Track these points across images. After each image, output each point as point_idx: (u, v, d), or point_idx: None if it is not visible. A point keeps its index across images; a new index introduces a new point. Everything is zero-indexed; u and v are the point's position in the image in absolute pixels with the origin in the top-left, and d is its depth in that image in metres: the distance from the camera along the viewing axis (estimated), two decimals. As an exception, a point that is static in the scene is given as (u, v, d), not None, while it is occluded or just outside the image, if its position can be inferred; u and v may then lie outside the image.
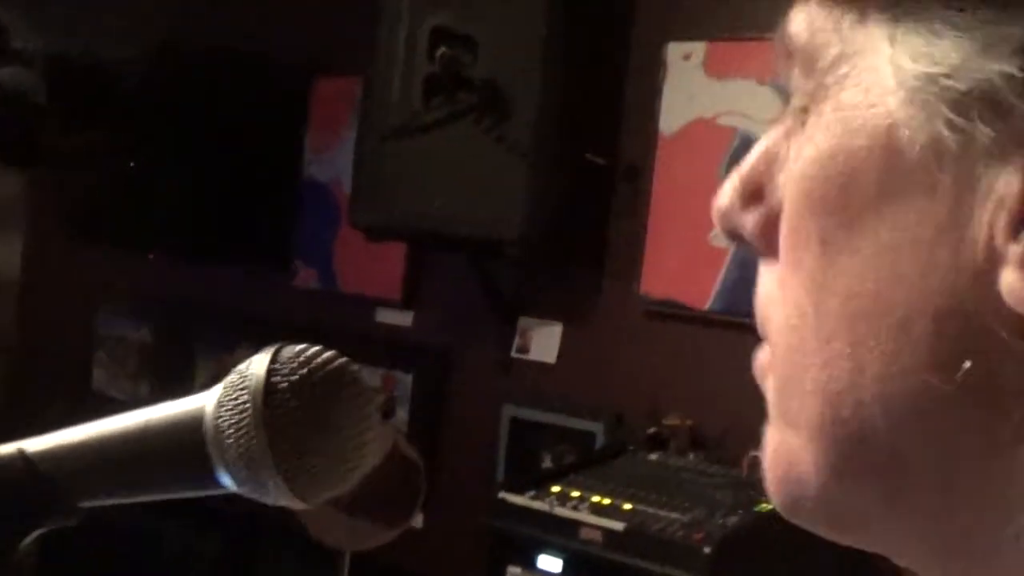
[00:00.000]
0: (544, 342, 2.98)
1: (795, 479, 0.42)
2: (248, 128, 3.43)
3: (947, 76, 0.36)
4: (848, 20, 0.40)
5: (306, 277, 3.49)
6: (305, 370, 0.57)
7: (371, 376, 3.23)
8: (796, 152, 0.42)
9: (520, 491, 2.38)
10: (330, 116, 3.43)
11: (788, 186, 0.42)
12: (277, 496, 0.58)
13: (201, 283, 3.72)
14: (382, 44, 2.78)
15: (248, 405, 0.57)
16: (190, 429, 0.58)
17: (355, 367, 0.59)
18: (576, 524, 2.26)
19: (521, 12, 2.63)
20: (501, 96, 2.61)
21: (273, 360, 0.58)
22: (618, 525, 2.20)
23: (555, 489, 2.36)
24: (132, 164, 3.73)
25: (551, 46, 2.61)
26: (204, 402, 0.59)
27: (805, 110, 0.42)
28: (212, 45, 3.53)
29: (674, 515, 2.20)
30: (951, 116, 0.36)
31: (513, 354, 3.02)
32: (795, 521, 0.43)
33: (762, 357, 0.44)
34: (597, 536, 2.22)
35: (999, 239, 0.35)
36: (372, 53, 2.81)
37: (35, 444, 0.62)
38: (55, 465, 0.61)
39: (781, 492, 0.43)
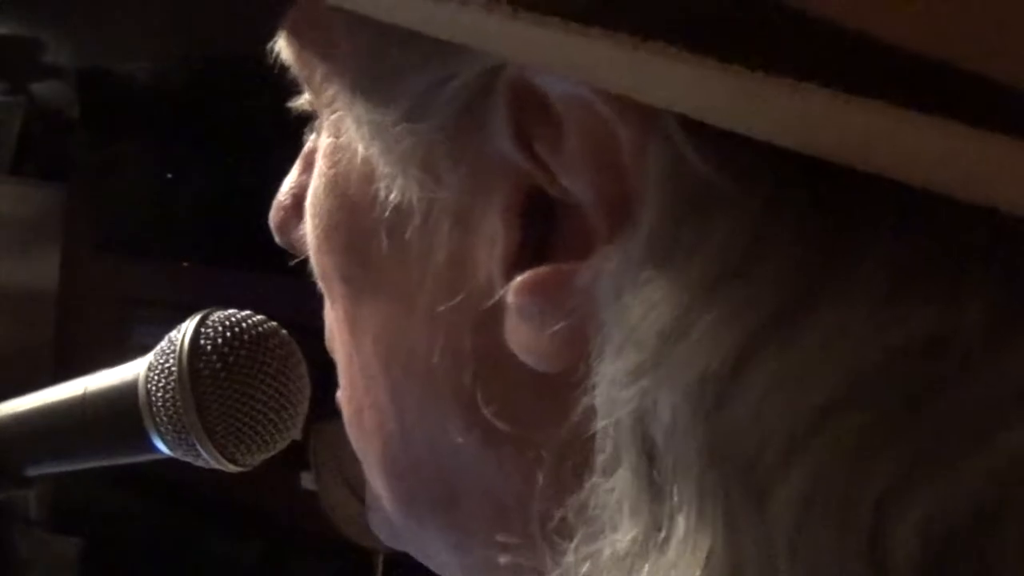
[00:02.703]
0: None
1: (383, 517, 0.41)
2: (279, 135, 3.46)
3: (397, 123, 0.34)
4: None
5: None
6: (230, 333, 0.58)
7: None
8: (313, 172, 0.40)
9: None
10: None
11: (307, 210, 0.40)
12: (209, 459, 0.59)
13: (235, 290, 3.76)
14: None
15: (175, 369, 0.58)
16: (124, 395, 0.60)
17: (284, 331, 0.60)
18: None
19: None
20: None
21: (201, 324, 0.59)
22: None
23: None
24: (170, 175, 3.78)
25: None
26: (137, 369, 0.60)
27: (319, 120, 0.40)
28: (239, 55, 3.56)
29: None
30: (416, 165, 0.34)
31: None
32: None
33: (340, 394, 0.43)
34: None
35: (498, 284, 0.33)
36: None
37: (-19, 415, 0.63)
38: (1, 436, 0.62)
39: (380, 531, 0.42)
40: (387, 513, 0.41)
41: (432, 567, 0.42)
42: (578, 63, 0.28)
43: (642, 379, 0.29)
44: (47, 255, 3.96)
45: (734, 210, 0.28)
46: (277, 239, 0.45)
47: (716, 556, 0.28)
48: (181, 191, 3.70)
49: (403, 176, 0.35)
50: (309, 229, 0.40)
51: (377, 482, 0.41)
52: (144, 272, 3.87)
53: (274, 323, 0.60)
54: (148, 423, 0.59)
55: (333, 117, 0.38)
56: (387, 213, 0.36)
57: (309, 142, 0.43)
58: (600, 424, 0.30)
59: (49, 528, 3.97)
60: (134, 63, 3.64)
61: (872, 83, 0.25)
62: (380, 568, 2.76)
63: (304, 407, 0.60)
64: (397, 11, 0.31)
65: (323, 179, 0.38)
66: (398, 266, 0.36)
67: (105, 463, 0.63)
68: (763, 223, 0.28)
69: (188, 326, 0.59)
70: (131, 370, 0.60)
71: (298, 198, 0.43)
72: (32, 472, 0.63)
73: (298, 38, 0.39)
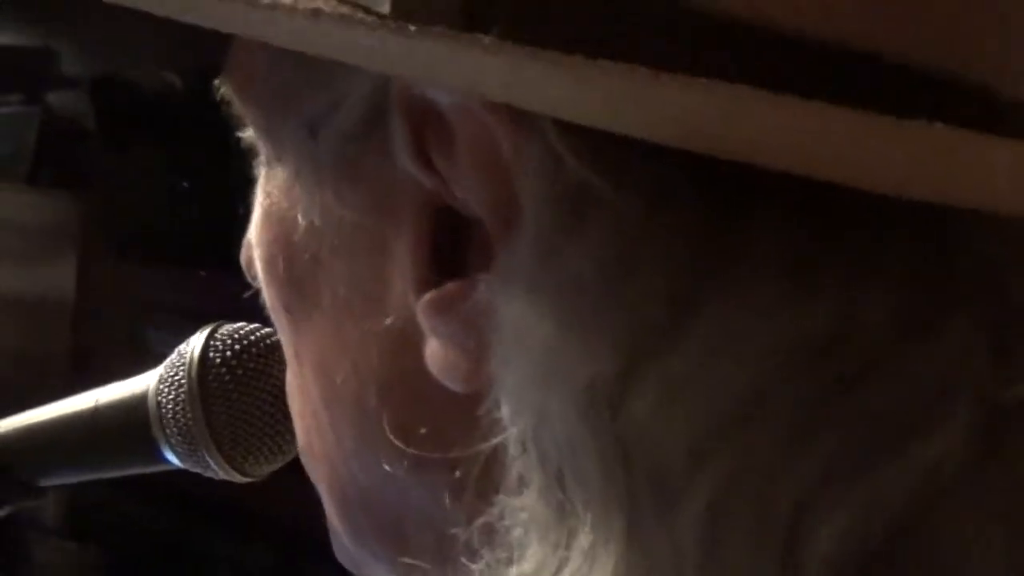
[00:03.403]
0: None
1: (341, 544, 0.41)
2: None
3: (300, 147, 0.34)
4: None
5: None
6: (239, 346, 0.59)
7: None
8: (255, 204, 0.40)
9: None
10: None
11: (252, 247, 0.40)
12: (218, 470, 0.60)
13: (251, 297, 3.76)
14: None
15: (184, 381, 0.59)
16: (135, 407, 0.61)
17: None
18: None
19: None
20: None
21: (210, 337, 0.60)
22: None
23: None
24: (185, 183, 3.79)
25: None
26: (148, 381, 0.61)
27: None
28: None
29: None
30: (324, 188, 0.34)
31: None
32: None
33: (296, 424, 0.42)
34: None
35: (413, 304, 0.33)
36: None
37: (-5, 427, 0.64)
38: (14, 447, 0.64)
39: (342, 559, 0.42)
40: (344, 544, 0.41)
41: None
42: (451, 72, 0.28)
43: (533, 391, 0.28)
44: (64, 263, 3.98)
45: (613, 210, 0.28)
46: (247, 273, 0.45)
47: (620, 571, 0.27)
48: (197, 199, 3.72)
49: (313, 200, 0.35)
50: (256, 263, 0.40)
51: (330, 511, 0.41)
52: (161, 279, 3.88)
53: (281, 335, 0.61)
54: (158, 435, 0.60)
55: (264, 148, 0.38)
56: (307, 239, 0.36)
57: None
58: (508, 441, 0.30)
59: (65, 535, 3.98)
60: (149, 72, 3.66)
61: (735, 67, 0.25)
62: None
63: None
64: (268, 30, 0.31)
65: (260, 210, 0.39)
66: (324, 292, 0.36)
67: (116, 474, 0.64)
68: (645, 222, 0.27)
69: (197, 340, 0.60)
70: (142, 383, 0.62)
71: None
72: (45, 483, 0.64)
73: (225, 72, 0.40)
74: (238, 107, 0.40)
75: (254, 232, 0.40)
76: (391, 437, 0.34)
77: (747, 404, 0.27)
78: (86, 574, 3.91)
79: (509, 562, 0.29)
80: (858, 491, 0.26)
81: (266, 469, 0.61)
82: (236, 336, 0.60)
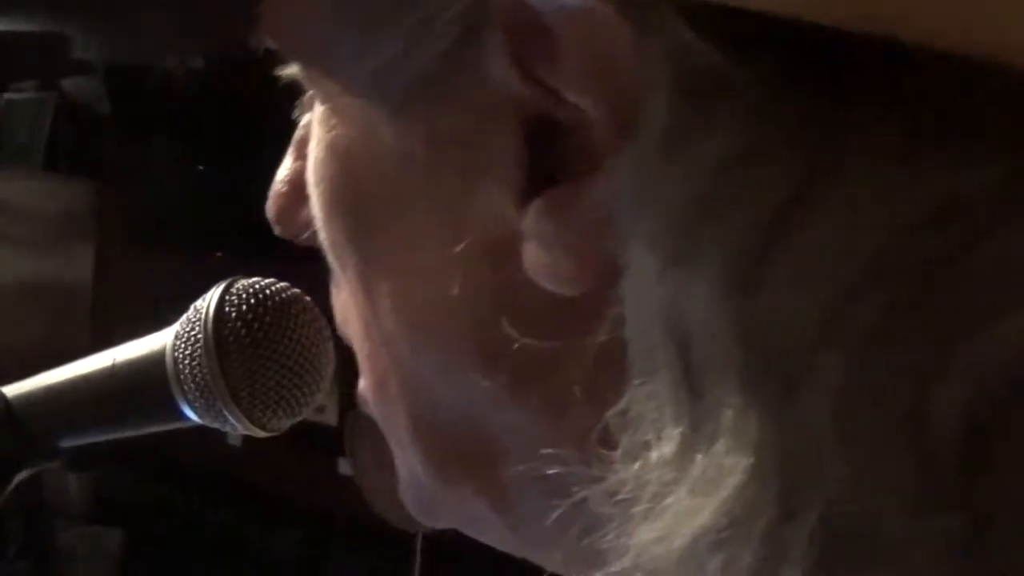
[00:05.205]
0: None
1: (417, 492, 0.41)
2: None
3: (390, 68, 0.34)
4: None
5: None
6: (255, 300, 0.59)
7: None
8: (310, 145, 0.39)
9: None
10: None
11: (309, 185, 0.40)
12: (237, 425, 0.59)
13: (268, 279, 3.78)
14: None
15: (200, 336, 0.59)
16: (152, 364, 0.61)
17: (308, 298, 0.61)
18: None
19: None
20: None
21: (226, 292, 0.60)
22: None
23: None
24: (201, 167, 3.80)
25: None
26: (164, 338, 0.61)
27: (310, 100, 0.39)
28: (269, 47, 3.58)
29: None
30: (414, 108, 0.34)
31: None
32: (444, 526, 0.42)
33: (361, 386, 0.42)
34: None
35: (510, 215, 0.32)
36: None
37: (13, 388, 0.64)
38: (33, 407, 0.64)
39: (415, 509, 0.42)
40: (422, 485, 0.40)
41: (474, 534, 0.41)
42: None
43: (670, 275, 0.29)
44: (81, 250, 3.99)
45: (739, 93, 0.28)
46: (278, 230, 0.45)
47: (764, 446, 0.28)
48: (212, 183, 3.73)
49: (402, 123, 0.34)
50: (315, 202, 0.39)
51: (408, 453, 0.40)
52: (177, 264, 3.90)
53: (297, 290, 0.61)
54: (176, 391, 0.60)
55: (325, 82, 0.38)
56: (390, 165, 0.35)
57: (300, 129, 0.43)
58: (631, 333, 0.30)
59: (90, 520, 4.01)
60: (163, 57, 3.67)
61: None
62: (419, 552, 2.77)
63: (329, 371, 0.61)
64: None
65: (322, 145, 0.38)
66: (407, 218, 0.36)
67: (135, 432, 0.64)
68: (768, 103, 0.28)
69: (213, 294, 0.60)
70: (158, 340, 0.61)
71: (295, 184, 0.43)
72: (63, 443, 0.64)
73: (273, 6, 0.39)
74: (289, 41, 0.39)
75: (314, 169, 0.39)
76: (485, 354, 0.34)
77: (874, 274, 0.27)
78: (111, 558, 3.94)
79: (647, 447, 0.30)
80: (974, 353, 0.26)
81: (285, 423, 0.61)
82: (252, 290, 0.60)
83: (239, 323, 0.59)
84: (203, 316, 0.59)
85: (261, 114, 3.60)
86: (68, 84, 3.78)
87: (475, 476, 0.38)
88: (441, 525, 0.42)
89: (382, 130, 0.35)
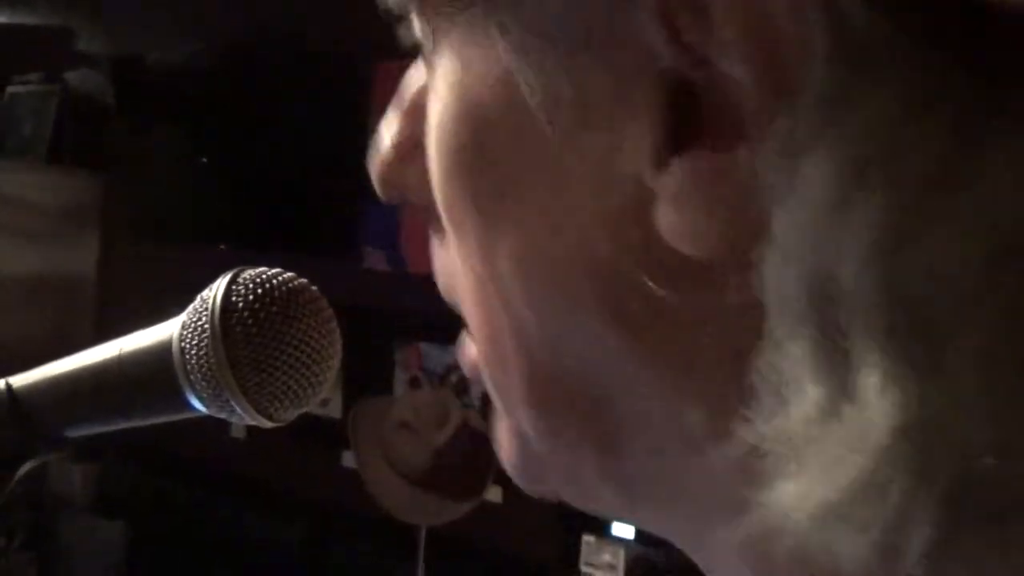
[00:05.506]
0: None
1: (528, 456, 0.41)
2: (313, 116, 3.48)
3: (543, 27, 0.34)
4: None
5: (375, 260, 3.53)
6: (261, 290, 0.59)
7: (442, 354, 3.26)
8: (430, 105, 0.39)
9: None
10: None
11: (429, 145, 0.39)
12: (243, 414, 0.59)
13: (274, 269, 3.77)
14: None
15: (207, 326, 0.58)
16: (159, 354, 0.60)
17: (314, 287, 0.61)
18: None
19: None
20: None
21: (232, 282, 0.60)
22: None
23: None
24: (204, 159, 3.80)
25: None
26: (171, 328, 0.61)
27: (430, 55, 0.39)
28: (274, 37, 3.58)
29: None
30: (559, 68, 0.34)
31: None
32: (545, 494, 0.42)
33: (468, 351, 0.42)
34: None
35: (648, 176, 0.32)
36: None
37: (19, 379, 0.64)
38: (38, 398, 0.63)
39: (523, 476, 0.42)
40: (530, 446, 0.40)
41: (579, 496, 0.41)
42: None
43: (822, 236, 0.29)
44: (86, 242, 4.00)
45: (894, 54, 0.28)
46: (382, 193, 0.44)
47: (908, 407, 0.28)
48: (217, 176, 3.73)
49: (544, 82, 0.34)
50: (433, 161, 0.39)
51: (518, 412, 0.40)
52: (182, 256, 3.90)
53: (304, 280, 0.61)
54: (183, 381, 0.59)
55: (453, 37, 0.37)
56: (524, 123, 0.35)
57: (412, 92, 0.43)
58: (770, 295, 0.30)
59: (94, 513, 4.01)
60: (167, 50, 3.67)
61: None
62: (422, 544, 2.78)
63: (336, 361, 0.60)
64: None
65: (446, 104, 0.38)
66: (537, 176, 0.36)
67: (141, 423, 0.64)
68: (926, 66, 0.28)
69: (220, 284, 0.60)
70: (165, 330, 0.61)
71: (404, 148, 0.42)
72: (69, 434, 0.64)
73: None
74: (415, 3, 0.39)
75: (438, 127, 0.38)
76: (615, 311, 0.35)
77: (1015, 245, 0.27)
78: (115, 550, 3.94)
79: (781, 404, 0.30)
80: None
81: (292, 413, 0.60)
82: (258, 280, 0.59)
83: (246, 313, 0.58)
84: (210, 306, 0.59)
85: (265, 107, 3.60)
86: (72, 77, 3.78)
87: (589, 433, 0.38)
88: (545, 488, 0.42)
89: (522, 87, 0.35)
